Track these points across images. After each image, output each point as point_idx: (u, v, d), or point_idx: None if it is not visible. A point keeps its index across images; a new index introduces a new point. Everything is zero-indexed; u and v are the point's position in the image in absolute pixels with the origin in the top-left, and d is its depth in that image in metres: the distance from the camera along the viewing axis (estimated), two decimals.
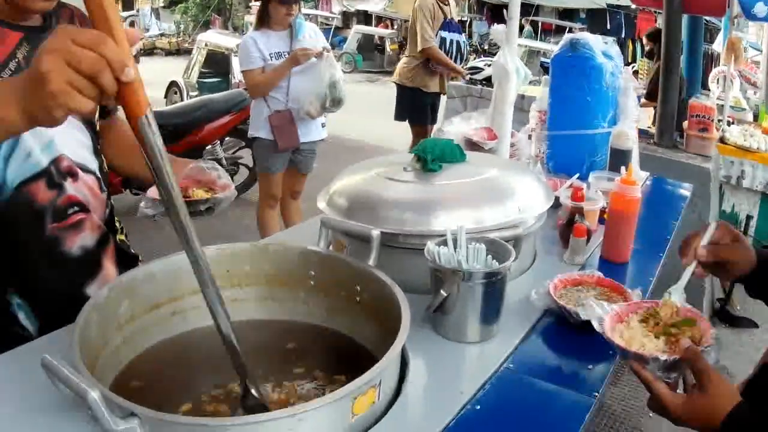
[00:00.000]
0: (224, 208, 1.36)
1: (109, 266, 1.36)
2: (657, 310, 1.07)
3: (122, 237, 1.48)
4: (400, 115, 5.15)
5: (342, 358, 1.13)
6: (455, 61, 4.92)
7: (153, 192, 1.29)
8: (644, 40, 6.91)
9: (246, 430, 0.77)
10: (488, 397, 1.02)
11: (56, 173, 1.25)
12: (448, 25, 4.79)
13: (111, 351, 1.06)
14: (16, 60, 1.20)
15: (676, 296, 1.10)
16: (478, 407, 0.99)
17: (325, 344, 1.18)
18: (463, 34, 5.01)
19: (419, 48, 4.81)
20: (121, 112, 1.46)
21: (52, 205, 1.25)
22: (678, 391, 0.99)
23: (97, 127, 1.39)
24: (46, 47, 0.75)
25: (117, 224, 1.47)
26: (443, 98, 5.49)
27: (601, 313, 1.07)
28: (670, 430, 1.18)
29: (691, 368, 0.95)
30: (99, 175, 1.35)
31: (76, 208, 1.29)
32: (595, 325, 1.05)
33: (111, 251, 1.38)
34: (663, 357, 0.96)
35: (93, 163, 1.34)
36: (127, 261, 1.42)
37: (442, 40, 4.76)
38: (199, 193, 1.34)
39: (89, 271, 1.34)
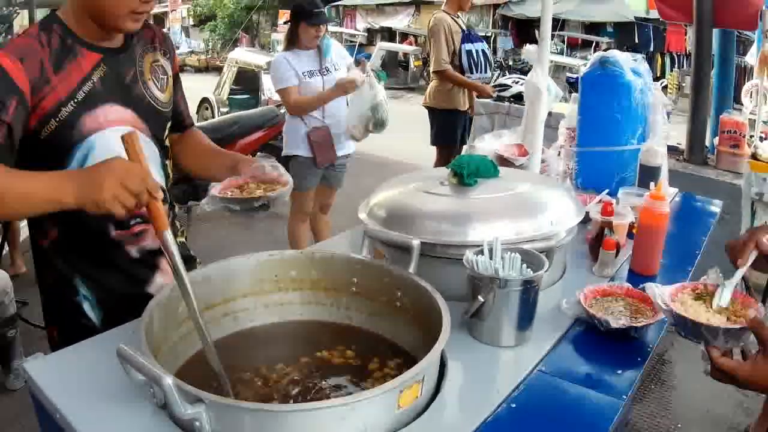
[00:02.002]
0: (280, 202, 1.39)
1: (167, 267, 1.46)
2: (709, 290, 1.16)
3: (182, 239, 1.59)
4: (436, 139, 4.93)
5: (381, 359, 1.20)
6: (484, 70, 4.70)
7: (215, 190, 1.37)
8: None
9: (303, 416, 0.85)
10: (523, 397, 1.08)
11: None
12: (467, 36, 4.60)
13: (169, 346, 1.16)
14: (92, 82, 1.30)
15: (727, 292, 1.16)
16: (513, 406, 1.05)
17: (366, 344, 1.25)
18: (483, 41, 4.76)
19: (432, 70, 4.68)
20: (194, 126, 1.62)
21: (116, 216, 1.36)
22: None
23: (167, 143, 1.49)
24: (108, 167, 1.10)
25: (177, 225, 1.58)
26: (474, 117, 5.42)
27: (658, 293, 1.15)
28: None
29: (757, 335, 1.03)
30: (164, 187, 1.45)
31: (138, 220, 1.40)
32: (658, 303, 1.14)
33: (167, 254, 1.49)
34: (732, 326, 1.05)
35: (161, 177, 1.44)
36: (185, 262, 1.53)
37: (468, 53, 4.57)
38: (254, 190, 1.39)
39: (149, 272, 1.45)
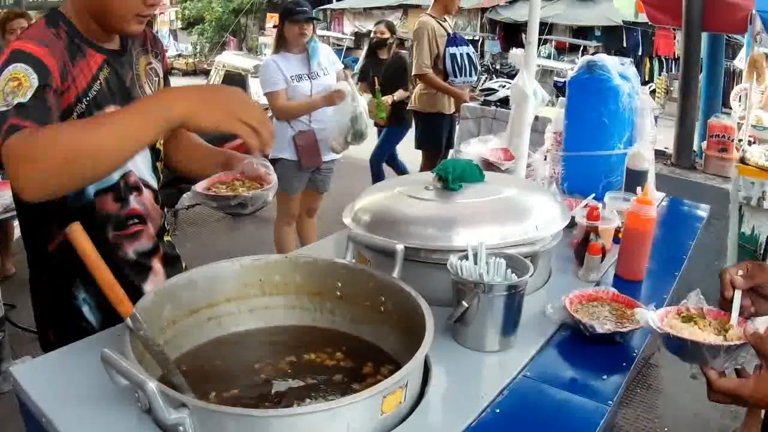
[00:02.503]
0: (259, 203, 1.37)
1: (158, 267, 1.49)
2: (692, 312, 1.15)
3: (169, 238, 1.61)
4: (421, 143, 4.99)
5: (365, 363, 1.19)
6: (469, 74, 4.68)
7: (199, 185, 1.37)
8: None
9: (286, 421, 0.85)
10: (507, 403, 1.08)
11: (124, 187, 1.38)
12: (453, 40, 4.60)
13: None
14: (99, 82, 1.30)
15: (735, 310, 1.12)
16: (498, 411, 1.05)
17: (350, 349, 1.25)
18: (469, 45, 4.73)
19: (413, 73, 4.71)
20: None
21: (116, 217, 1.38)
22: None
23: (158, 145, 1.50)
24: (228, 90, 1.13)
25: (165, 226, 1.59)
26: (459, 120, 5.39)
27: (648, 317, 1.14)
28: None
29: (757, 349, 1.02)
30: (157, 189, 1.48)
31: (135, 220, 1.42)
32: (652, 324, 1.12)
33: (161, 254, 1.51)
34: (732, 344, 1.03)
35: (153, 179, 1.47)
36: (172, 261, 1.56)
37: (452, 57, 4.56)
38: (238, 188, 1.39)
39: (143, 272, 1.47)
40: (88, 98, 1.27)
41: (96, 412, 0.99)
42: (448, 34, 4.61)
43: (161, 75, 1.51)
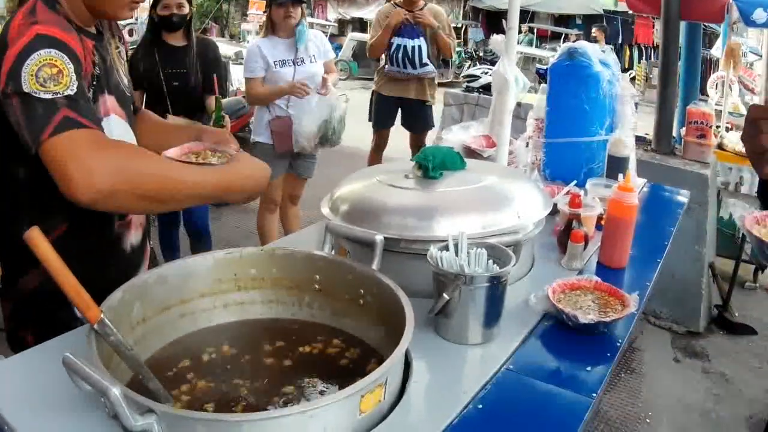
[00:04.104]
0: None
1: (146, 261, 1.51)
2: None
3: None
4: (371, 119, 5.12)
5: (346, 359, 1.16)
6: (405, 67, 4.67)
7: (170, 152, 1.30)
8: None
9: (259, 426, 0.81)
10: (490, 397, 1.05)
11: None
12: (401, 31, 4.60)
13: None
14: (97, 67, 1.28)
15: None
16: (480, 406, 1.02)
17: (330, 345, 1.21)
18: (421, 38, 4.63)
19: (368, 56, 4.92)
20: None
21: None
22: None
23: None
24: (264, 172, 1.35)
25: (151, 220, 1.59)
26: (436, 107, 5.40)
27: (741, 212, 1.14)
28: None
29: None
30: None
31: None
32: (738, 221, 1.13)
33: (147, 247, 1.52)
34: None
35: None
36: (153, 256, 1.58)
37: (397, 48, 4.61)
38: (210, 158, 1.35)
39: (136, 265, 1.47)
40: (93, 84, 1.26)
41: (62, 418, 0.94)
42: (404, 25, 4.59)
43: (125, 59, 1.50)
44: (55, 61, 1.11)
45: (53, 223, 1.29)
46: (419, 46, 4.62)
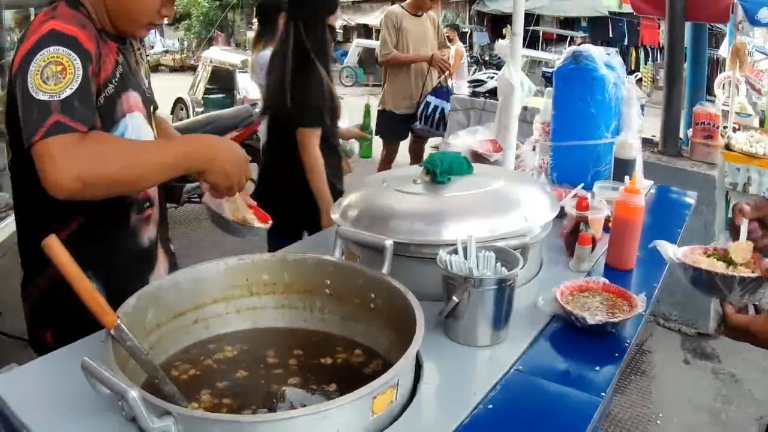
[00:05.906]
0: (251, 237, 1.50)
1: (162, 259, 1.53)
2: (727, 251, 1.16)
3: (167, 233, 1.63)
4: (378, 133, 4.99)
5: (357, 362, 1.18)
6: (438, 129, 4.69)
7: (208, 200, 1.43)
8: None
9: (274, 426, 0.82)
10: (499, 398, 1.06)
11: None
12: (437, 91, 4.62)
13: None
14: (120, 66, 1.35)
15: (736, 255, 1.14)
16: (491, 407, 1.04)
17: (341, 349, 1.23)
18: (448, 102, 4.74)
19: (379, 61, 4.74)
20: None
21: (137, 199, 1.42)
22: None
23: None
24: (224, 147, 1.29)
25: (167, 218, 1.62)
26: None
27: (672, 254, 1.18)
28: None
29: None
30: None
31: (147, 203, 1.46)
32: (670, 257, 1.17)
33: (163, 244, 1.55)
34: (747, 275, 1.05)
35: None
36: (170, 254, 1.59)
37: (426, 104, 4.58)
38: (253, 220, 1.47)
39: (151, 262, 1.50)
40: (114, 82, 1.31)
41: (80, 421, 0.96)
42: (439, 86, 4.65)
43: (145, 60, 1.56)
44: (61, 58, 1.15)
45: (71, 216, 1.34)
46: (442, 108, 4.72)
